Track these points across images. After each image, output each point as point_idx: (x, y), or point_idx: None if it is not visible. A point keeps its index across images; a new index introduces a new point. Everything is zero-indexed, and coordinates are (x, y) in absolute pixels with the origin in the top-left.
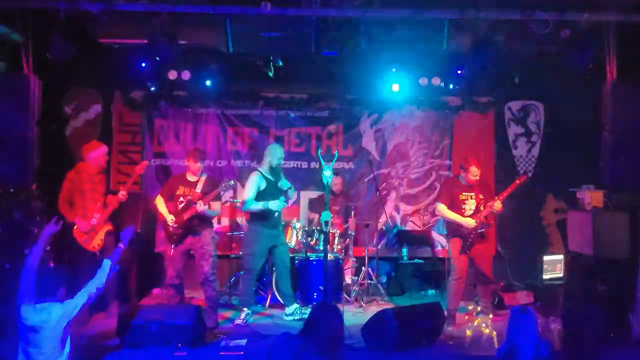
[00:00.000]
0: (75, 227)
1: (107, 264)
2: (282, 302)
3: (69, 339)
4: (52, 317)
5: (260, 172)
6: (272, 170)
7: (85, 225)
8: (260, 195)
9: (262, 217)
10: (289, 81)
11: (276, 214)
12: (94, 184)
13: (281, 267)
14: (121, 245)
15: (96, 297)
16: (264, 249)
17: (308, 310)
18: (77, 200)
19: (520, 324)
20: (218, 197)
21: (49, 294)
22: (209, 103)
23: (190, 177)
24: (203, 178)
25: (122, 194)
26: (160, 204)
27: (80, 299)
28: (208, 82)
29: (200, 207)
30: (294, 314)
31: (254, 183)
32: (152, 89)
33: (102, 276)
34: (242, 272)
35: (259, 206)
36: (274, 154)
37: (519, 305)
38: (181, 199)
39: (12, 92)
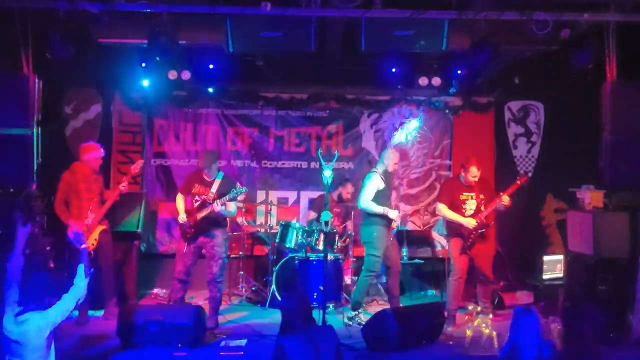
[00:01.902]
0: (69, 228)
1: (81, 269)
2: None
3: (53, 348)
4: (31, 327)
5: (379, 174)
6: (386, 174)
7: (79, 226)
8: (375, 197)
9: (383, 218)
10: (289, 81)
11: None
12: (89, 183)
13: (395, 269)
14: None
15: (78, 305)
16: (385, 249)
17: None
18: (73, 200)
19: (523, 323)
20: (234, 198)
21: (34, 302)
22: (209, 103)
23: (207, 177)
24: (219, 179)
25: (123, 186)
26: (179, 200)
27: (62, 307)
28: (208, 82)
29: (217, 207)
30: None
31: (374, 183)
32: (152, 89)
33: (80, 284)
34: (364, 273)
35: (379, 210)
36: (392, 158)
37: (522, 305)
38: (196, 197)
39: (12, 92)
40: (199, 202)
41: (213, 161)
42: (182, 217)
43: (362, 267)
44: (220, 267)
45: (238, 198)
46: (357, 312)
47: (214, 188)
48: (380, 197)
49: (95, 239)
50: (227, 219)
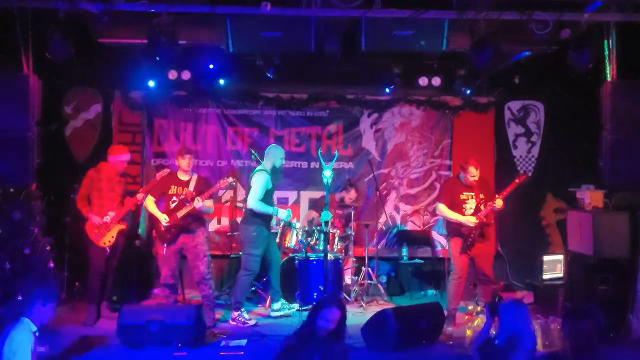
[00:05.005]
0: (88, 220)
1: None
2: (272, 299)
3: None
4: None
5: (267, 173)
6: (274, 170)
7: (98, 220)
8: (263, 196)
9: (266, 218)
10: (289, 81)
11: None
12: (111, 183)
13: (276, 264)
14: None
15: None
16: (264, 249)
17: (295, 307)
18: (95, 198)
19: (521, 314)
20: (211, 196)
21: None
22: (209, 103)
23: (182, 176)
24: (195, 177)
25: (140, 196)
26: (151, 204)
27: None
28: (208, 82)
29: (198, 203)
30: (280, 309)
31: (263, 183)
32: (152, 88)
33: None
34: (242, 272)
35: (268, 210)
36: (277, 155)
37: (511, 298)
38: (174, 198)
39: (12, 92)
40: (176, 202)
41: (189, 152)
42: (166, 218)
43: (241, 266)
44: (207, 265)
45: (227, 192)
46: (239, 312)
47: (191, 186)
48: (268, 197)
49: (113, 237)
50: (206, 217)
